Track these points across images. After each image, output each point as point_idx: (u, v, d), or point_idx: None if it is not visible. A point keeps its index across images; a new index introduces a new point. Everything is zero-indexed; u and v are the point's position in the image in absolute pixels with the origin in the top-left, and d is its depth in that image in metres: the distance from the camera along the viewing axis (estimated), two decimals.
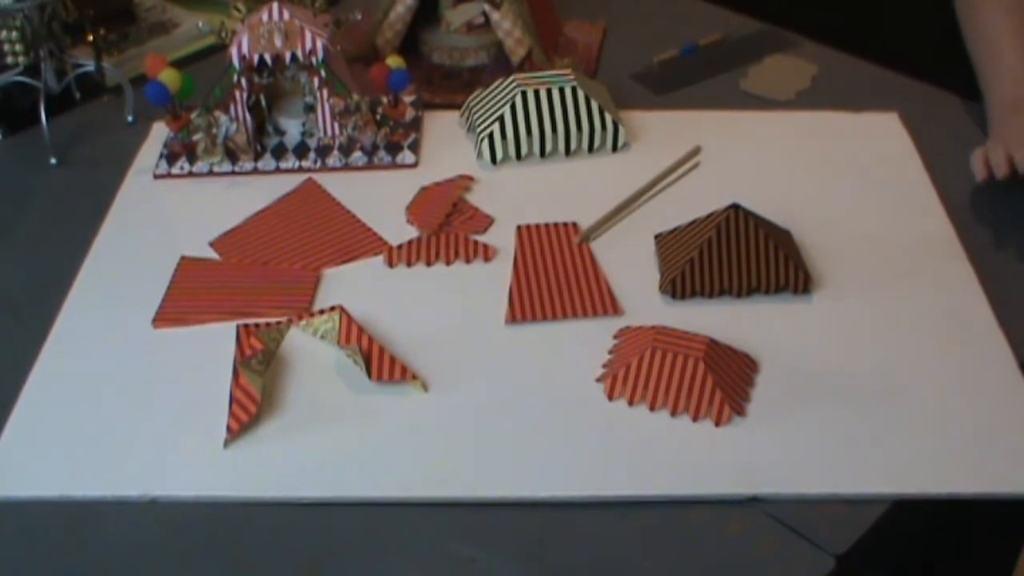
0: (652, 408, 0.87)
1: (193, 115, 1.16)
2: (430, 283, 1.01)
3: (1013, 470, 0.81)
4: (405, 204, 1.11)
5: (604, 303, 0.97)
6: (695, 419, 0.86)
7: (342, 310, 0.94)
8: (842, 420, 0.86)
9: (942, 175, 1.12)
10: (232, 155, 1.17)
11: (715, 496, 0.80)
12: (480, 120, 1.17)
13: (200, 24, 1.40)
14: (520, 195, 1.12)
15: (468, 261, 1.03)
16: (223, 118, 1.15)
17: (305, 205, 1.12)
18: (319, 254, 1.05)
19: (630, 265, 1.02)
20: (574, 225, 1.07)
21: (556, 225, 1.07)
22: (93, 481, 0.83)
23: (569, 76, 1.17)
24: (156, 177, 1.16)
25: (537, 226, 1.07)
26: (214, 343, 0.94)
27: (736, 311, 0.96)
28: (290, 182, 1.15)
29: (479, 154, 1.16)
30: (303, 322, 0.95)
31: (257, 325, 0.95)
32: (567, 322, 0.96)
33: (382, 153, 1.18)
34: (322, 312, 0.95)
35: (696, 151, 1.16)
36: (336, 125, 1.17)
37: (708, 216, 0.99)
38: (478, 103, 1.20)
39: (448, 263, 1.03)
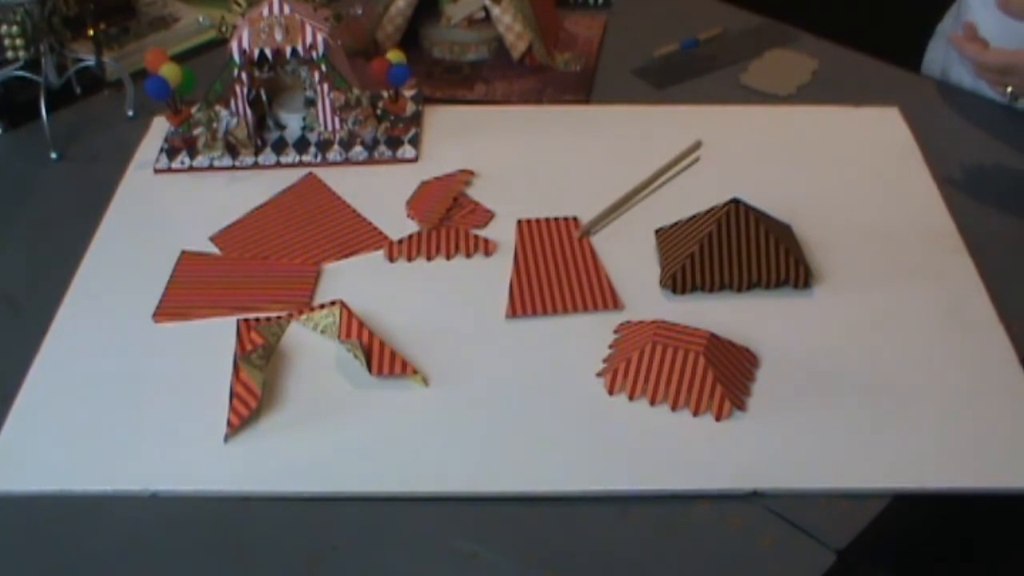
0: (653, 403, 0.87)
1: (193, 109, 1.16)
2: (430, 278, 1.01)
3: (1013, 464, 0.81)
4: (405, 199, 1.11)
5: (605, 298, 0.97)
6: (696, 414, 0.86)
7: (342, 305, 0.94)
8: (843, 414, 0.86)
9: (943, 169, 1.12)
10: (232, 149, 1.16)
11: (716, 491, 0.80)
12: None
13: (200, 19, 1.40)
14: (521, 189, 1.12)
15: (468, 256, 1.03)
16: (223, 112, 1.15)
17: (305, 200, 1.12)
18: (319, 249, 1.05)
19: (631, 260, 1.02)
20: (575, 220, 1.07)
21: (557, 220, 1.07)
22: (93, 476, 0.83)
23: None
24: (156, 171, 1.16)
25: (538, 220, 1.07)
26: (214, 338, 0.94)
27: (737, 306, 0.96)
28: (290, 176, 1.15)
29: None
30: (303, 317, 0.95)
31: (257, 320, 0.95)
32: (567, 317, 0.96)
33: (382, 147, 1.17)
34: (322, 307, 0.95)
35: (696, 146, 1.15)
36: (336, 119, 1.17)
37: (708, 211, 0.99)
38: None
39: (448, 258, 1.03)
